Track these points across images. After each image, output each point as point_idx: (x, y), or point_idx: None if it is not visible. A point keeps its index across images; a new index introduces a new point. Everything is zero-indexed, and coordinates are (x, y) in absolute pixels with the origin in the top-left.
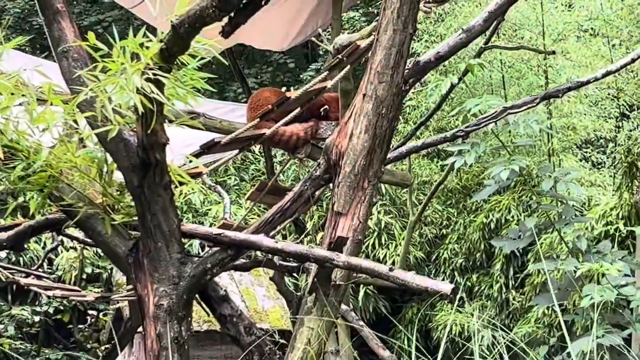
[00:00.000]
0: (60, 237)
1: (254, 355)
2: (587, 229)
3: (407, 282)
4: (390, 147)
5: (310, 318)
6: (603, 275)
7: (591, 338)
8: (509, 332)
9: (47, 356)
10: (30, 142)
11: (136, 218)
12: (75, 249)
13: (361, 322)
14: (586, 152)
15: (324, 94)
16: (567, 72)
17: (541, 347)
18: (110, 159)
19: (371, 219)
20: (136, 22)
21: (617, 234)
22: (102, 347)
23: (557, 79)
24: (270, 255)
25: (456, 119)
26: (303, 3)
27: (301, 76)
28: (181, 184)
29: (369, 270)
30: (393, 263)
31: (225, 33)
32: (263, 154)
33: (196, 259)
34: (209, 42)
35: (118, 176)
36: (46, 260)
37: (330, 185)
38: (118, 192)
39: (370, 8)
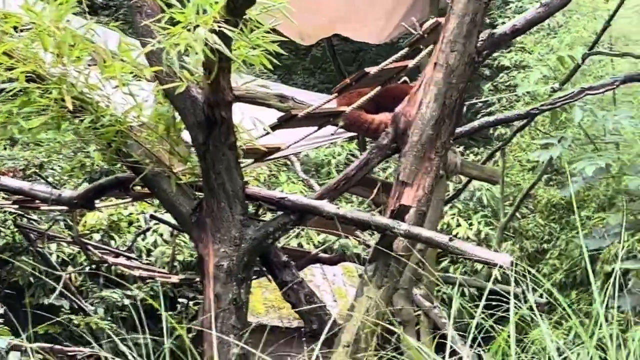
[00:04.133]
0: (151, 221)
1: (313, 324)
2: None
3: (465, 253)
4: (461, 120)
5: (369, 287)
6: None
7: None
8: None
9: (135, 340)
10: (100, 97)
11: (202, 178)
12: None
13: (444, 320)
14: None
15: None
16: None
17: None
18: (178, 117)
19: (470, 228)
20: None
21: None
22: (189, 335)
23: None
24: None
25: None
26: None
27: None
28: (256, 160)
29: (429, 240)
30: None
31: None
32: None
33: (258, 221)
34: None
35: (186, 137)
36: (145, 252)
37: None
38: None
39: None
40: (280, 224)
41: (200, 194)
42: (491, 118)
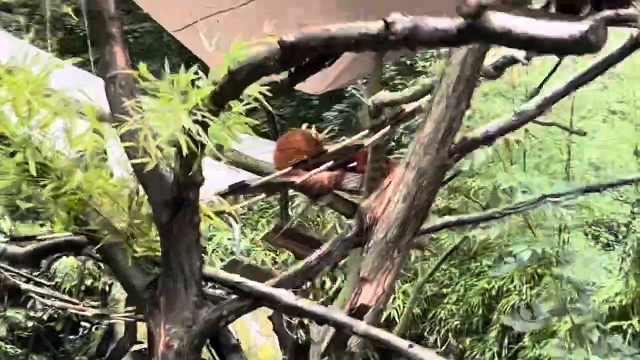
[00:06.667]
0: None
1: None
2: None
3: None
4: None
5: None
6: None
7: None
8: None
9: None
10: (65, 163)
11: (159, 254)
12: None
13: None
14: (597, 231)
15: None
16: (590, 152)
17: None
18: (142, 191)
19: None
20: (168, 37)
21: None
22: None
23: (579, 157)
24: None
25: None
26: None
27: (324, 115)
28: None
29: (387, 343)
30: (389, 316)
31: (283, 89)
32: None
33: (213, 304)
34: None
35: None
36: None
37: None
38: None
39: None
40: (236, 308)
41: (156, 268)
42: (454, 218)
